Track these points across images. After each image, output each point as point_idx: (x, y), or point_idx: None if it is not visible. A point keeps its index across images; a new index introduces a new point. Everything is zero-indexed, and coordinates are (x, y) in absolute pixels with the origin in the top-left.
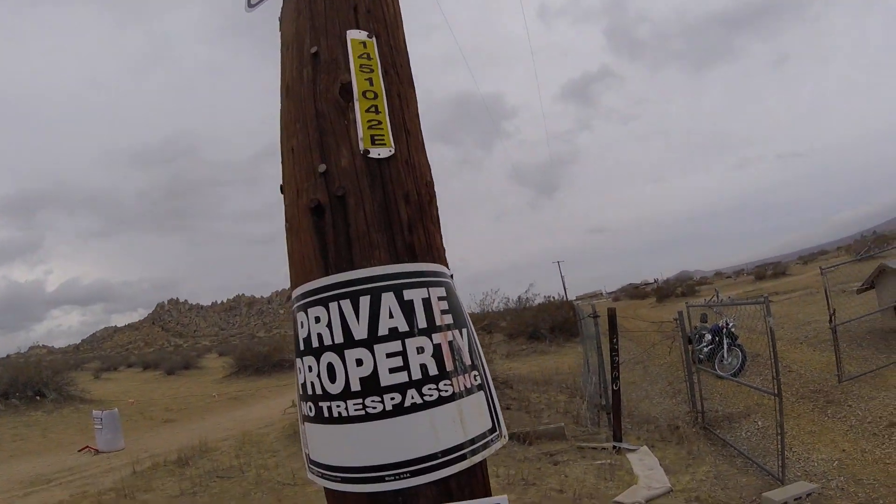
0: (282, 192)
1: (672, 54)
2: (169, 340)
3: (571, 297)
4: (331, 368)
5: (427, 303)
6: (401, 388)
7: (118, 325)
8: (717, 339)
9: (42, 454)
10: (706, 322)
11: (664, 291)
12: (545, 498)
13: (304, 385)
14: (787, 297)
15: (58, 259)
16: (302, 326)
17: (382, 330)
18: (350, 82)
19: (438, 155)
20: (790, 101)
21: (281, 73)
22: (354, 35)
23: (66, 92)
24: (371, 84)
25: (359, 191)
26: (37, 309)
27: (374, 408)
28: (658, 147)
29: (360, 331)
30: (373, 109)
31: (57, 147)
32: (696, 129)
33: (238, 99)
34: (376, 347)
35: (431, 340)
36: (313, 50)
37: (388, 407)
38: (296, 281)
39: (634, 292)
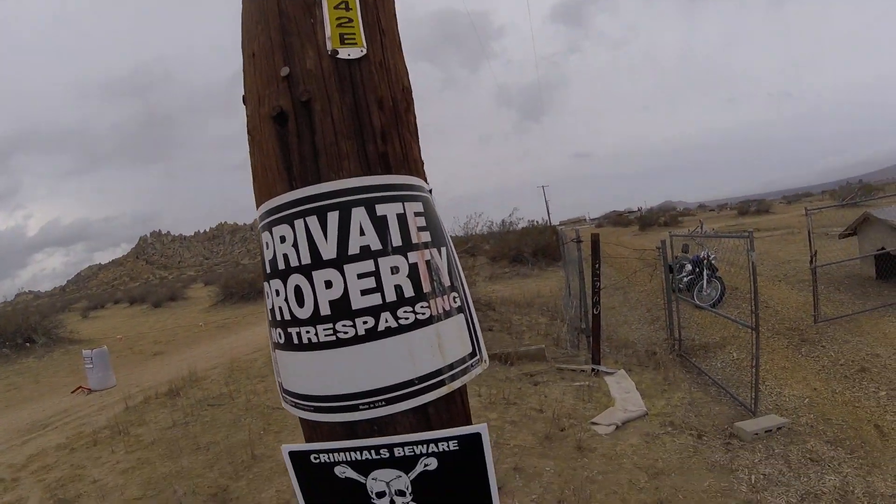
0: (244, 102)
1: None
2: (154, 273)
3: (555, 222)
4: (298, 291)
5: (402, 218)
6: (374, 312)
7: (102, 263)
8: (697, 269)
9: (36, 400)
10: (687, 252)
11: (647, 220)
12: (525, 417)
13: (272, 310)
14: (769, 235)
15: (36, 202)
16: (267, 247)
17: (353, 249)
18: None
19: (420, 73)
20: (786, 41)
21: None
22: None
23: (28, 29)
24: None
25: (326, 96)
26: (19, 255)
27: (346, 333)
28: (648, 76)
29: (328, 250)
30: (342, 6)
31: (23, 87)
32: (688, 61)
33: (211, 18)
34: (346, 268)
35: (407, 259)
36: None
37: (361, 332)
38: (259, 198)
39: (618, 220)
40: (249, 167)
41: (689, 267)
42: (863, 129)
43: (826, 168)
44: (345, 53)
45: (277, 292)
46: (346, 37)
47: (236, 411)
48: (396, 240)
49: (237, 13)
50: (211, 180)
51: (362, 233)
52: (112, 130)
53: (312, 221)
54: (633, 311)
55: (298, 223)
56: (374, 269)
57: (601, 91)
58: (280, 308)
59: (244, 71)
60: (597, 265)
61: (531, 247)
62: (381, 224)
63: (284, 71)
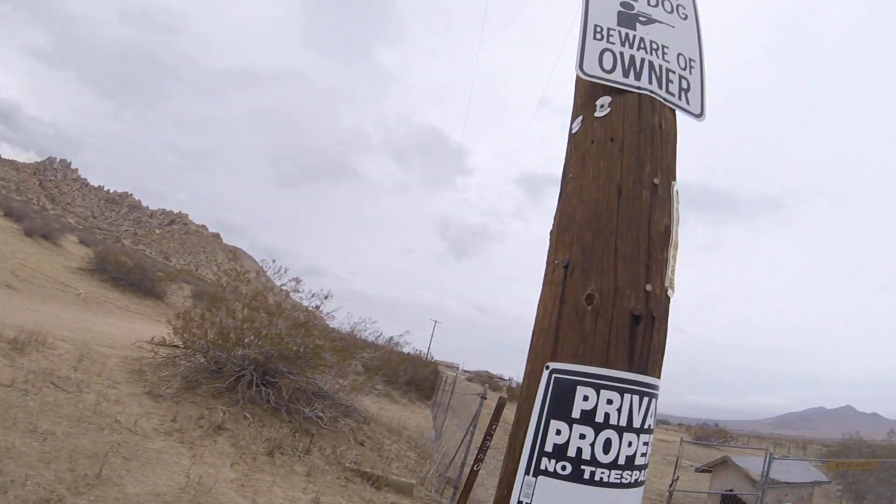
0: (565, 268)
1: None
2: (39, 198)
3: (432, 356)
4: (608, 443)
5: (654, 409)
6: (640, 469)
7: (1, 156)
8: None
9: None
10: None
11: (516, 393)
12: None
13: (562, 445)
14: None
15: None
16: (586, 400)
17: (646, 424)
18: (670, 227)
19: (383, 167)
20: (699, 284)
21: (598, 161)
22: (677, 187)
23: None
24: (677, 236)
25: (662, 318)
26: None
27: (626, 479)
28: None
29: (637, 421)
30: (674, 258)
31: None
32: None
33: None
34: (641, 436)
35: (649, 439)
36: (655, 180)
37: (631, 480)
38: (583, 356)
39: (488, 381)
40: (188, 158)
41: None
42: (727, 380)
43: (689, 402)
44: (671, 293)
45: (582, 436)
46: (673, 281)
47: (83, 409)
48: (650, 423)
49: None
50: (147, 146)
51: (648, 415)
52: (104, 43)
53: (635, 399)
54: (494, 476)
55: (626, 396)
56: (648, 441)
57: (526, 262)
58: (580, 448)
59: (591, 252)
60: (494, 426)
61: (409, 374)
62: (654, 412)
63: (649, 287)
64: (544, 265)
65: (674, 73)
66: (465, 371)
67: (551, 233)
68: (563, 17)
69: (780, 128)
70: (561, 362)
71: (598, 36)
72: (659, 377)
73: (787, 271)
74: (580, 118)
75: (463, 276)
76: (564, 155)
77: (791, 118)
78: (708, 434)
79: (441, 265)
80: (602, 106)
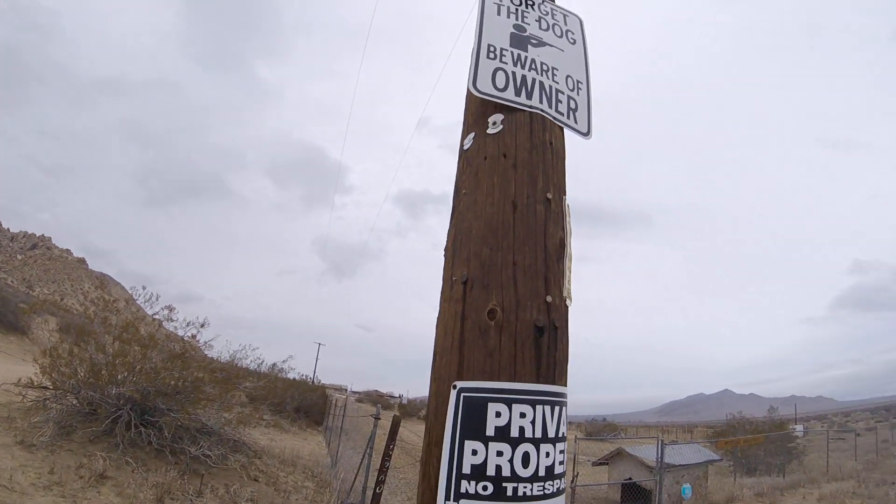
0: (464, 284)
1: None
2: None
3: (319, 380)
4: (526, 456)
5: (565, 417)
6: (560, 477)
7: None
8: None
9: None
10: None
11: (408, 410)
12: None
13: (480, 465)
14: None
15: None
16: (499, 416)
17: (559, 433)
18: (564, 239)
19: (260, 186)
20: (577, 290)
21: (492, 177)
22: (568, 201)
23: None
24: (571, 248)
25: (564, 327)
26: None
27: (548, 490)
28: None
29: (551, 431)
30: (570, 269)
31: None
32: None
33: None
34: (557, 445)
35: (563, 446)
36: (549, 195)
37: (553, 490)
38: (491, 372)
39: (379, 400)
40: (52, 174)
41: None
42: (613, 378)
43: (577, 401)
44: (568, 303)
45: (500, 453)
46: (571, 291)
47: None
48: (563, 431)
49: None
50: (26, 164)
51: (561, 424)
52: None
53: (547, 409)
54: (394, 495)
55: (538, 408)
56: (563, 449)
57: (406, 278)
58: (499, 466)
59: (491, 267)
60: (391, 446)
61: (296, 401)
62: (565, 419)
63: (549, 298)
64: (440, 283)
65: (563, 93)
66: (354, 392)
67: (446, 250)
68: (444, 38)
69: (647, 146)
70: (468, 380)
71: (492, 55)
72: (566, 385)
73: (659, 277)
74: (472, 135)
75: (345, 296)
76: (456, 172)
77: (655, 137)
78: (599, 429)
79: (322, 286)
80: (494, 123)
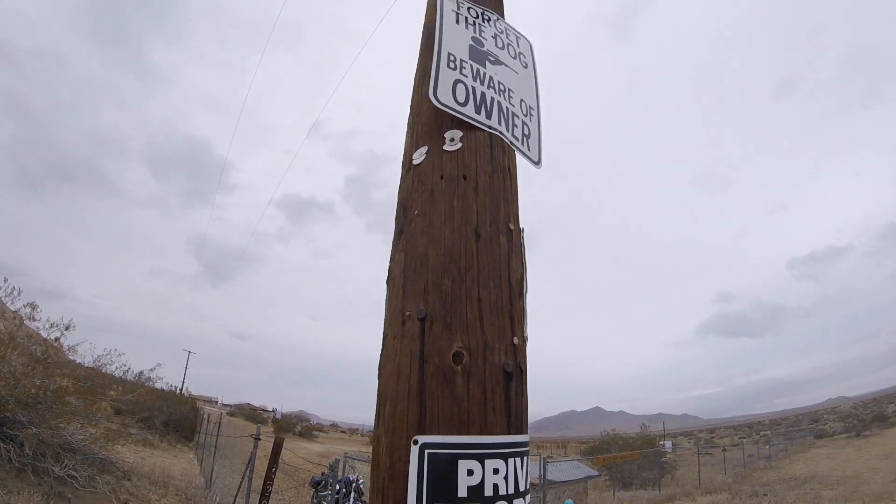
0: (421, 321)
1: (384, 226)
2: None
3: (189, 391)
4: None
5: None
6: None
7: None
8: (343, 490)
9: None
10: (335, 471)
11: (283, 425)
12: None
13: None
14: None
15: None
16: (471, 474)
17: (527, 485)
18: (523, 274)
19: (139, 177)
20: None
21: (451, 199)
22: (524, 232)
23: None
24: (527, 284)
25: (526, 370)
26: None
27: None
28: (329, 290)
29: (522, 484)
30: (526, 305)
31: None
32: (368, 291)
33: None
34: (525, 498)
35: (529, 498)
36: (511, 225)
37: None
38: (459, 424)
39: (252, 414)
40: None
41: (336, 487)
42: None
43: None
44: (528, 342)
45: None
46: (527, 329)
47: None
48: (528, 480)
49: None
50: None
51: (527, 475)
52: None
53: (517, 461)
54: None
55: (510, 461)
56: (529, 497)
57: (285, 287)
58: None
59: (458, 302)
60: (273, 468)
61: (165, 414)
62: (528, 469)
63: (516, 340)
64: (382, 313)
65: (517, 117)
66: (226, 405)
67: (391, 278)
68: (348, 46)
69: (534, 172)
70: (433, 434)
71: (452, 65)
72: (528, 431)
73: (535, 296)
74: (424, 149)
75: (219, 302)
76: (401, 187)
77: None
78: None
79: (196, 289)
80: (453, 140)
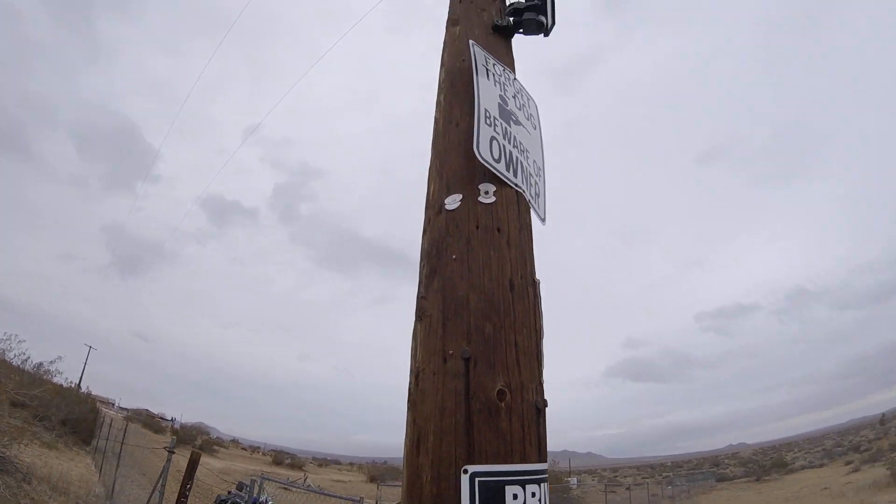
0: (466, 361)
1: (306, 242)
2: None
3: (89, 390)
4: None
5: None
6: None
7: None
8: None
9: None
10: (242, 490)
11: (183, 437)
12: None
13: None
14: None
15: None
16: (516, 499)
17: None
18: (542, 324)
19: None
20: (371, 331)
21: (487, 249)
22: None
23: None
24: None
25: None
26: None
27: None
28: (243, 299)
29: None
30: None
31: None
32: (283, 305)
33: None
34: None
35: None
36: (537, 278)
37: None
38: (503, 454)
39: (150, 421)
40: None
41: None
42: (395, 421)
43: (359, 443)
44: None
45: None
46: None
47: None
48: None
49: None
50: None
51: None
52: None
53: (545, 487)
54: None
55: (543, 485)
56: None
57: (197, 289)
58: None
59: (500, 350)
60: (188, 485)
61: (64, 413)
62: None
63: (542, 379)
64: (414, 349)
65: (532, 176)
66: (122, 408)
67: (426, 315)
68: (298, 52)
69: None
70: (481, 464)
71: (488, 122)
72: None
73: None
74: (459, 197)
75: (126, 298)
76: (432, 229)
77: None
78: (382, 472)
79: (104, 279)
80: (487, 193)
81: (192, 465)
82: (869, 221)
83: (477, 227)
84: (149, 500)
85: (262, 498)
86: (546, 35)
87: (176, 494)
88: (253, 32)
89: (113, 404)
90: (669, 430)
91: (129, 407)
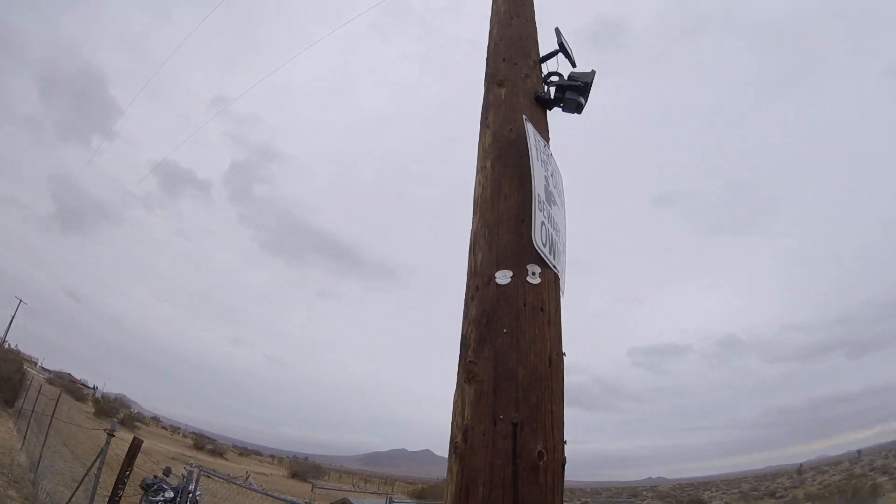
0: (514, 426)
1: (255, 224)
2: None
3: (17, 347)
4: None
5: None
6: None
7: None
8: (178, 500)
9: None
10: (168, 476)
11: (105, 408)
12: None
13: None
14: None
15: None
16: None
17: None
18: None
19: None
20: (308, 324)
21: (533, 327)
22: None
23: None
24: None
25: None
26: None
27: None
28: (183, 274)
29: None
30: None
31: None
32: (222, 285)
33: None
34: None
35: None
36: (565, 354)
37: None
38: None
39: (72, 387)
40: None
41: (168, 493)
42: (322, 417)
43: (282, 434)
44: None
45: None
46: None
47: None
48: None
49: None
50: None
51: None
52: None
53: None
54: None
55: None
56: None
57: (137, 256)
58: None
59: (541, 417)
60: (127, 471)
61: None
62: None
63: (565, 440)
64: (460, 406)
65: (562, 254)
66: (45, 370)
67: (476, 380)
68: (284, 30)
69: (406, 210)
70: None
71: (539, 207)
72: None
73: (388, 331)
74: (509, 273)
75: (64, 254)
76: (484, 298)
77: (415, 206)
78: (304, 469)
79: (45, 232)
80: (534, 274)
81: (133, 451)
82: (806, 285)
83: (524, 305)
84: (82, 480)
85: (190, 487)
86: (579, 113)
87: (114, 479)
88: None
89: (36, 364)
90: (593, 457)
91: (51, 368)
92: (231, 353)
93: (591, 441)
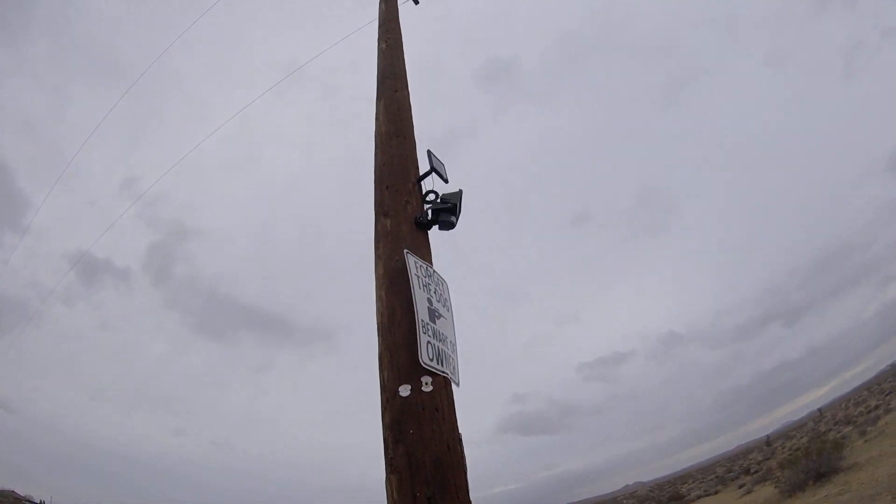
0: (429, 499)
1: (180, 307)
2: None
3: None
4: None
5: None
6: None
7: None
8: None
9: None
10: None
11: None
12: None
13: None
14: None
15: None
16: None
17: None
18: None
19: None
20: (249, 403)
21: (431, 424)
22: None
23: None
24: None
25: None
26: None
27: None
28: (112, 368)
29: None
30: None
31: None
32: (156, 375)
33: None
34: None
35: None
36: (462, 438)
37: None
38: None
39: (17, 503)
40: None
41: None
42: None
43: None
44: None
45: None
46: None
47: None
48: None
49: None
50: None
51: None
52: None
53: None
54: None
55: None
56: None
57: (65, 356)
58: None
59: (449, 494)
60: None
61: None
62: None
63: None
64: (390, 491)
65: (450, 356)
66: None
67: (396, 469)
68: (182, 102)
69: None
70: None
71: (423, 331)
72: None
73: (330, 394)
74: (409, 387)
75: None
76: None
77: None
78: None
79: None
80: (427, 384)
81: None
82: (730, 269)
83: (423, 410)
84: None
85: None
86: (453, 229)
87: None
88: (135, 73)
89: None
90: (565, 478)
91: None
92: (176, 445)
93: (560, 464)
